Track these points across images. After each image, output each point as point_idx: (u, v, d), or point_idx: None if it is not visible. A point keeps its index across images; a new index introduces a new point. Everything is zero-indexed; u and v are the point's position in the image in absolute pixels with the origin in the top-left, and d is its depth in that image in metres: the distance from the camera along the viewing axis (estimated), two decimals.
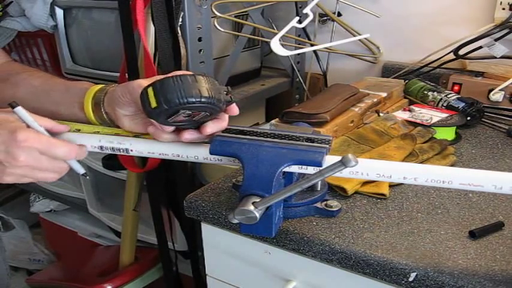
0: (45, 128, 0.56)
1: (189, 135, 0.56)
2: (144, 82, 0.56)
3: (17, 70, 0.69)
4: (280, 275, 0.70)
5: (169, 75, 0.57)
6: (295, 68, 1.34)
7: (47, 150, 0.53)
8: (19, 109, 0.53)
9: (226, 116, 0.58)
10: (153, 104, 0.51)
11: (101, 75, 1.29)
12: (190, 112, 0.52)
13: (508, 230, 0.62)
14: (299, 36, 1.29)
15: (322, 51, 1.33)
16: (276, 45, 0.82)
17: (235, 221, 0.53)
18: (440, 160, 0.81)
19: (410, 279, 0.55)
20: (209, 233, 0.76)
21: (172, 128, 0.56)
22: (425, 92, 1.08)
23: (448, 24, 1.20)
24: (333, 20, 1.31)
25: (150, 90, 0.51)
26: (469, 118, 0.98)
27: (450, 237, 0.61)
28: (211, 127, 0.56)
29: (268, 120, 1.39)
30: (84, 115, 0.63)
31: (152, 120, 0.56)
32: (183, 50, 0.95)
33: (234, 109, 0.57)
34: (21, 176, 0.54)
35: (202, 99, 0.51)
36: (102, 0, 1.20)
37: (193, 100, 0.50)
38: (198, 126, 0.57)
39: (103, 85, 0.63)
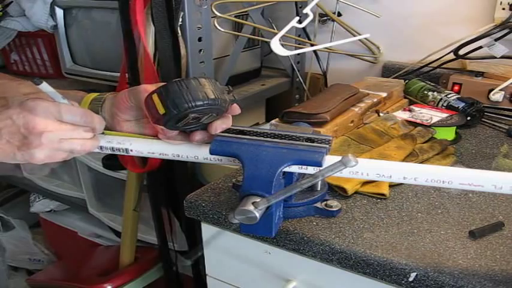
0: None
1: (199, 136, 0.57)
2: (149, 87, 0.56)
3: (4, 80, 0.69)
4: (280, 275, 0.70)
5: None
6: (295, 68, 1.34)
7: (62, 113, 0.52)
8: (44, 85, 0.52)
9: (230, 115, 0.58)
10: (161, 110, 0.51)
11: (101, 75, 1.29)
12: (198, 115, 0.53)
13: (508, 230, 0.62)
14: (299, 36, 1.29)
15: (322, 51, 1.33)
16: (276, 45, 0.81)
17: (235, 221, 0.53)
18: (440, 160, 0.81)
19: (410, 279, 0.55)
20: (209, 233, 0.76)
21: (177, 132, 0.57)
22: (426, 92, 1.08)
23: (448, 24, 1.20)
24: (333, 20, 1.31)
25: (156, 97, 0.52)
26: (469, 118, 0.98)
27: (450, 237, 0.61)
28: (220, 126, 0.57)
29: (268, 120, 1.39)
30: None
31: (158, 127, 0.56)
32: (183, 50, 0.95)
33: (236, 109, 0.58)
34: (51, 150, 0.53)
35: (210, 101, 0.52)
36: (102, 0, 1.20)
37: (201, 103, 0.51)
38: (204, 127, 0.57)
39: (97, 94, 0.63)
